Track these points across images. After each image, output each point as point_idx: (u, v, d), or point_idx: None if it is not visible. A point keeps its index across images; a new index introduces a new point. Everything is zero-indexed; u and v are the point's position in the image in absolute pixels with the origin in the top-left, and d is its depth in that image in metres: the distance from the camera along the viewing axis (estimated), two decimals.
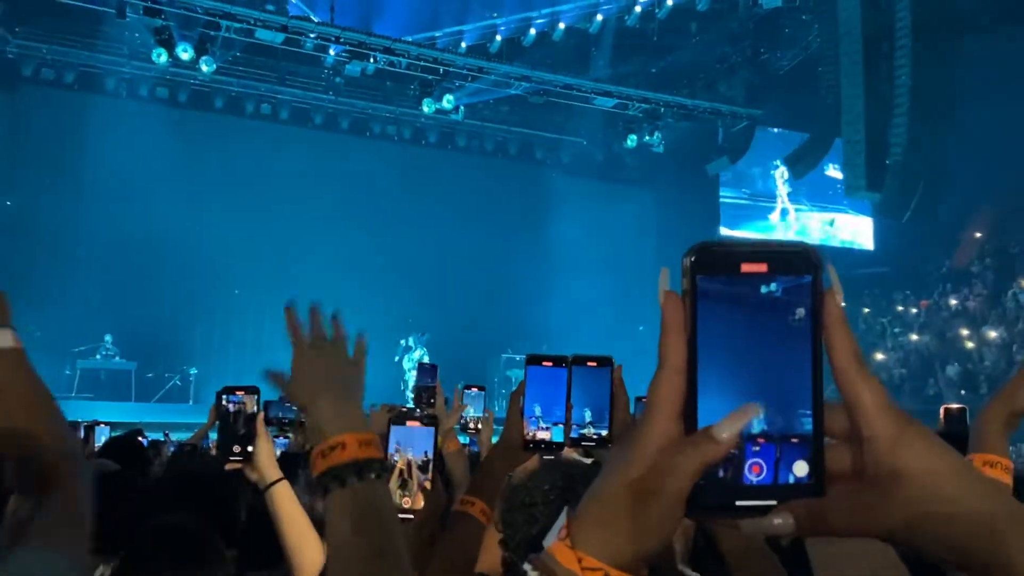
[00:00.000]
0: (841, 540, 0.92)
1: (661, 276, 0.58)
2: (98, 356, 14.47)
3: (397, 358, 16.00)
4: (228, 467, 1.99)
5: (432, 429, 1.77)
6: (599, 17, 16.39)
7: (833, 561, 0.95)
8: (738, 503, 0.55)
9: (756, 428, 0.55)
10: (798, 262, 0.56)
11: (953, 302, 18.65)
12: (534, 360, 1.58)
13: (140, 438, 5.18)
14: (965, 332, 17.72)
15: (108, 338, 14.40)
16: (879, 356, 18.25)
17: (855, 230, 20.47)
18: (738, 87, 17.60)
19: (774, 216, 20.08)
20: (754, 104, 17.78)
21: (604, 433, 1.52)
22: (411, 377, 15.96)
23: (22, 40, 15.10)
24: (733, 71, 17.44)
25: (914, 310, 19.26)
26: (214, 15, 14.00)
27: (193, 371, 15.40)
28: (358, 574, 1.02)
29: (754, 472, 0.55)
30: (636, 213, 19.10)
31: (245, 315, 16.55)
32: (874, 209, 18.56)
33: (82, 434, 5.32)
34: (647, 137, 18.13)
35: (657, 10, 16.21)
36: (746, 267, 0.56)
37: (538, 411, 1.56)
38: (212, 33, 14.37)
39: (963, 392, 15.91)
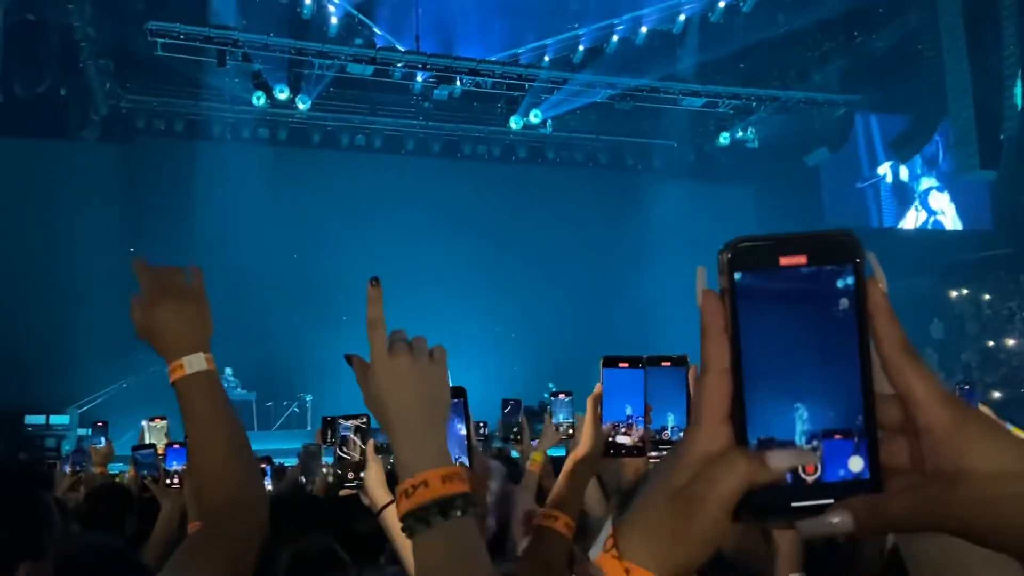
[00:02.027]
0: (936, 537, 0.82)
1: (698, 275, 0.58)
2: None
3: None
4: (343, 493, 2.04)
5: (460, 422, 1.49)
6: (682, 17, 16.14)
7: (930, 560, 0.85)
8: (793, 504, 0.53)
9: (807, 426, 0.54)
10: (838, 251, 0.54)
11: None
12: (610, 362, 1.54)
13: (264, 465, 5.38)
14: None
15: (228, 370, 14.99)
16: (1010, 342, 17.18)
17: (971, 211, 19.38)
18: (833, 74, 16.95)
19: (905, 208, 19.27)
20: (851, 90, 17.12)
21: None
22: None
23: (133, 95, 16.06)
24: (826, 58, 16.82)
25: None
26: (307, 54, 14.60)
27: (309, 398, 15.91)
28: None
29: (808, 471, 0.54)
30: (735, 211, 18.59)
31: (352, 340, 16.78)
32: (991, 188, 17.55)
33: None
34: (740, 133, 17.72)
35: (742, 3, 15.85)
36: (784, 260, 0.54)
37: (628, 410, 1.51)
38: (305, 72, 14.98)
39: None
